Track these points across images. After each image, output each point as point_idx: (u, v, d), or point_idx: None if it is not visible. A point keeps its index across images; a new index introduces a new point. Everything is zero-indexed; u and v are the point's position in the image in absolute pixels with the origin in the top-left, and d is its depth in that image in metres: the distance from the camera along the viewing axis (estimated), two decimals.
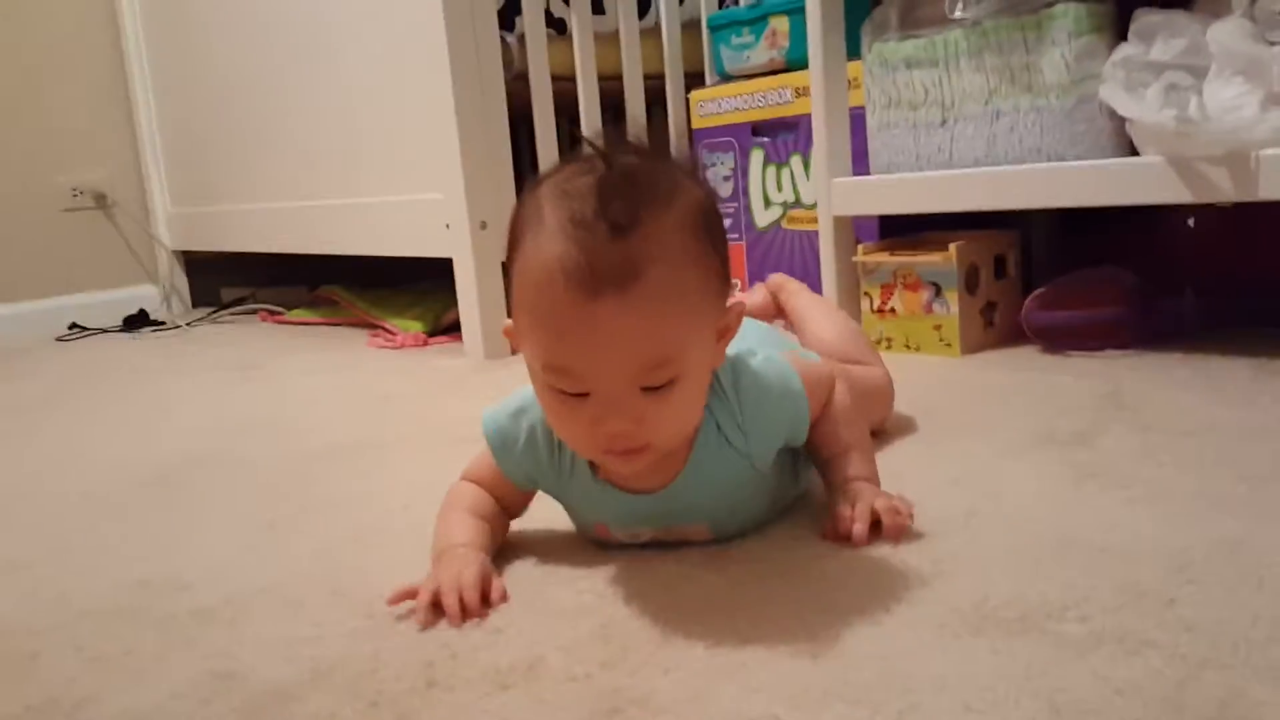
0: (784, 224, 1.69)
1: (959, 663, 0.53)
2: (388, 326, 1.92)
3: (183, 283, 2.63)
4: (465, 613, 0.63)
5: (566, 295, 0.57)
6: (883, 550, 0.68)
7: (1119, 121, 1.20)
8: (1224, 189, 1.07)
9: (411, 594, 0.65)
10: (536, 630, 0.62)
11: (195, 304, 2.62)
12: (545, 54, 1.64)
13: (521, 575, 0.70)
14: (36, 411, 1.49)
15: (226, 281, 2.61)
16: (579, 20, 1.68)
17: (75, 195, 2.47)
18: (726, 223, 1.76)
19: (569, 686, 0.55)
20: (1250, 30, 1.08)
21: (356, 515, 0.88)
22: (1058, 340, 1.28)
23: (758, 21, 1.68)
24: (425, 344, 1.80)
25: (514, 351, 0.72)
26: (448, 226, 1.59)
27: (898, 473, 0.77)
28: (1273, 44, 1.06)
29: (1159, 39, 1.15)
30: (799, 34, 1.62)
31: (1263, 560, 0.62)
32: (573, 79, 1.70)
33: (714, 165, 1.77)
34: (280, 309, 2.31)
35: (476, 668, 0.58)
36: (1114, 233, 1.40)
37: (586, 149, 0.61)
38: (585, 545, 0.74)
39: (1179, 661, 0.51)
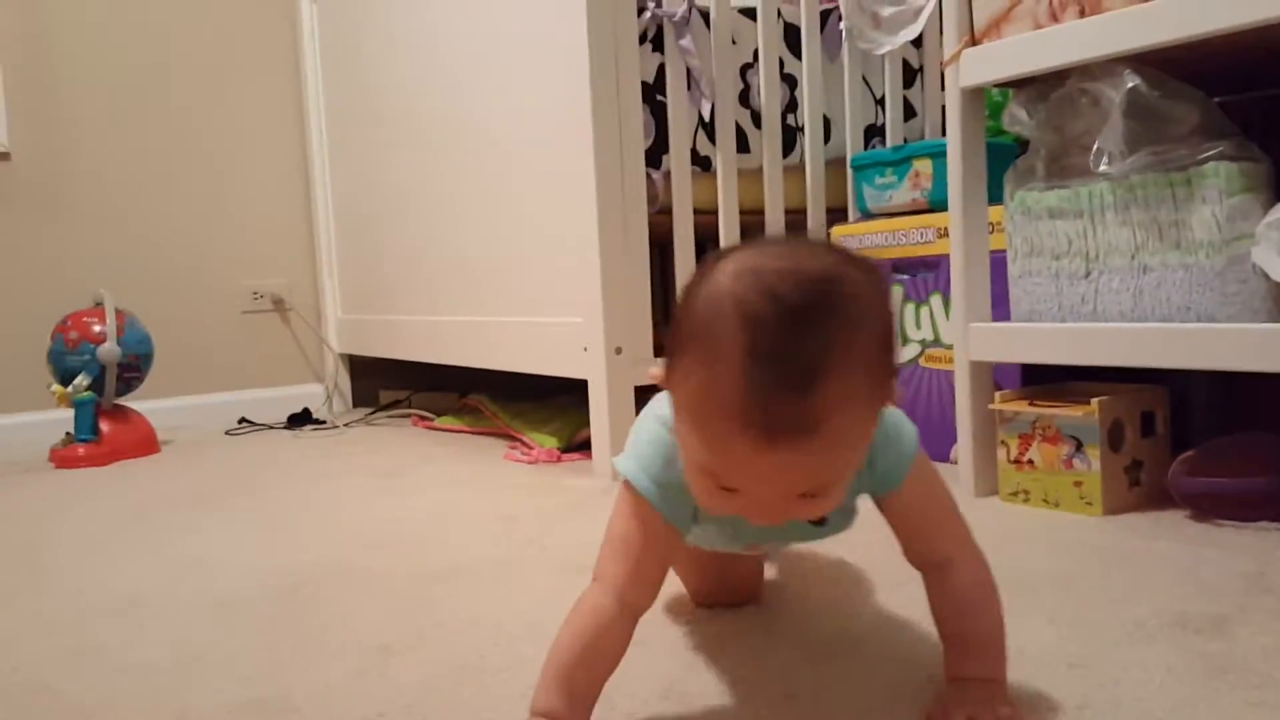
0: (922, 362, 1.67)
1: None
2: (525, 440, 1.98)
3: (346, 383, 2.78)
4: None
5: (742, 438, 0.57)
6: None
7: (1272, 284, 1.15)
8: None
9: None
10: None
11: (356, 404, 2.77)
12: (690, 190, 1.69)
13: None
14: (192, 508, 1.59)
15: (386, 384, 2.75)
16: (724, 158, 1.73)
17: (256, 298, 2.67)
18: None
19: None
20: None
21: (469, 645, 0.90)
22: (1206, 508, 1.21)
23: (901, 163, 1.70)
24: (559, 460, 1.84)
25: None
26: (585, 349, 1.65)
27: (1019, 646, 0.74)
28: None
29: None
30: (942, 176, 1.62)
31: None
32: (713, 212, 1.75)
33: None
34: (431, 415, 2.41)
35: None
36: (1274, 397, 1.32)
37: (774, 248, 0.61)
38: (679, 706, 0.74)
39: None
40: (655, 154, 1.70)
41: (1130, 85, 1.20)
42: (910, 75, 1.97)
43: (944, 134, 1.92)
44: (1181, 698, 0.72)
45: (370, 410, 2.63)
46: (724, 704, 0.74)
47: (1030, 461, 1.34)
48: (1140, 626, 0.86)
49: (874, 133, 1.93)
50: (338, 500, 1.61)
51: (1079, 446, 1.29)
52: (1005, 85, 1.39)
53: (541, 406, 2.17)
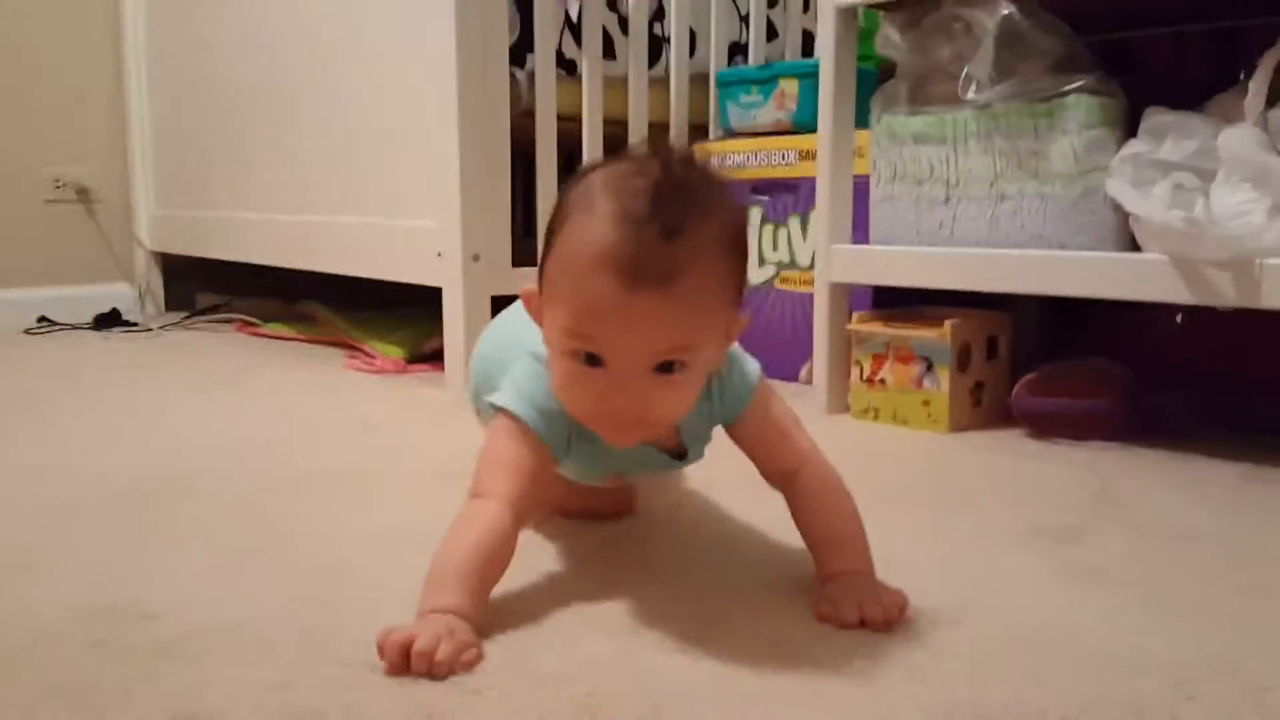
0: (777, 283, 1.69)
1: None
2: (367, 349, 1.89)
3: (158, 285, 2.58)
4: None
5: (608, 281, 0.62)
6: (878, 638, 0.67)
7: (1122, 216, 1.21)
8: (1226, 294, 1.08)
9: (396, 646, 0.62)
10: (518, 695, 0.59)
11: (170, 307, 2.58)
12: (554, 93, 1.63)
13: (508, 637, 0.67)
14: (9, 411, 1.44)
15: (202, 287, 2.57)
16: (590, 63, 1.68)
17: (58, 187, 2.43)
18: None
19: None
20: (1261, 139, 1.09)
21: (331, 550, 0.85)
22: (1045, 427, 1.28)
23: (767, 82, 1.69)
24: (405, 370, 1.77)
25: (534, 314, 0.72)
26: (439, 255, 1.58)
27: (887, 556, 0.75)
28: None
29: (1169, 139, 1.16)
30: (807, 98, 1.63)
31: (1262, 681, 0.61)
32: (577, 119, 1.70)
33: None
34: (257, 321, 2.27)
35: None
36: (1104, 324, 1.41)
37: (642, 149, 0.68)
38: (573, 609, 0.72)
39: None
40: (519, 52, 1.63)
41: (1004, 13, 1.23)
42: None
43: (804, 56, 1.93)
44: (1056, 599, 0.75)
45: (186, 314, 2.45)
46: (613, 600, 0.73)
47: (882, 380, 1.38)
48: (1002, 535, 0.90)
49: (737, 50, 1.91)
50: (170, 405, 1.49)
51: (929, 367, 1.33)
52: (877, 7, 1.39)
53: (383, 315, 2.08)
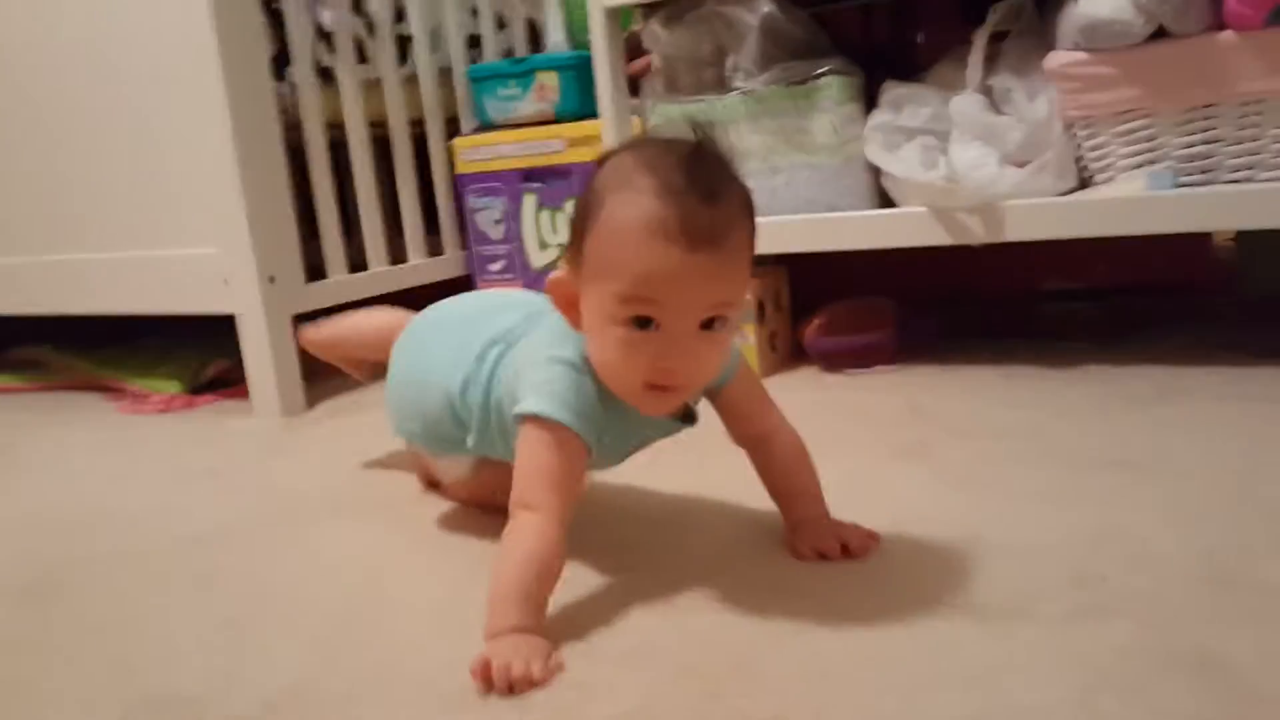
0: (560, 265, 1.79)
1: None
2: (132, 390, 1.77)
3: None
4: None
5: (665, 245, 0.69)
6: (852, 564, 0.82)
7: (875, 176, 1.43)
8: (975, 233, 1.33)
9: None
10: (627, 686, 0.67)
11: None
12: (318, 101, 1.62)
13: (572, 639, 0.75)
14: None
15: None
16: (346, 69, 1.67)
17: None
18: (501, 265, 1.84)
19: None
20: (983, 103, 1.35)
21: (315, 603, 0.87)
22: (836, 362, 1.50)
23: (524, 75, 1.77)
24: (191, 404, 1.69)
25: (561, 303, 0.78)
26: (226, 282, 1.52)
27: None
28: (1002, 114, 1.33)
29: (907, 107, 1.40)
30: (569, 88, 1.73)
31: (1137, 536, 0.83)
32: (339, 125, 1.69)
33: (484, 209, 1.83)
34: None
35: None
36: (867, 268, 1.65)
37: (661, 134, 0.76)
38: (607, 598, 0.81)
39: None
40: (278, 66, 1.59)
41: (766, 10, 1.40)
42: None
43: (532, 46, 2.02)
44: (951, 506, 0.94)
45: None
46: (632, 581, 0.82)
47: None
48: (876, 459, 1.08)
49: (474, 43, 1.96)
50: None
51: None
52: (642, 7, 1.52)
53: (133, 350, 1.94)
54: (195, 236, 1.54)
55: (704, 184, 0.70)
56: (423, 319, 1.03)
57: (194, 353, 1.81)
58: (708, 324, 0.72)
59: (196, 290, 1.56)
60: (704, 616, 0.75)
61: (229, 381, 1.71)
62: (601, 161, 0.76)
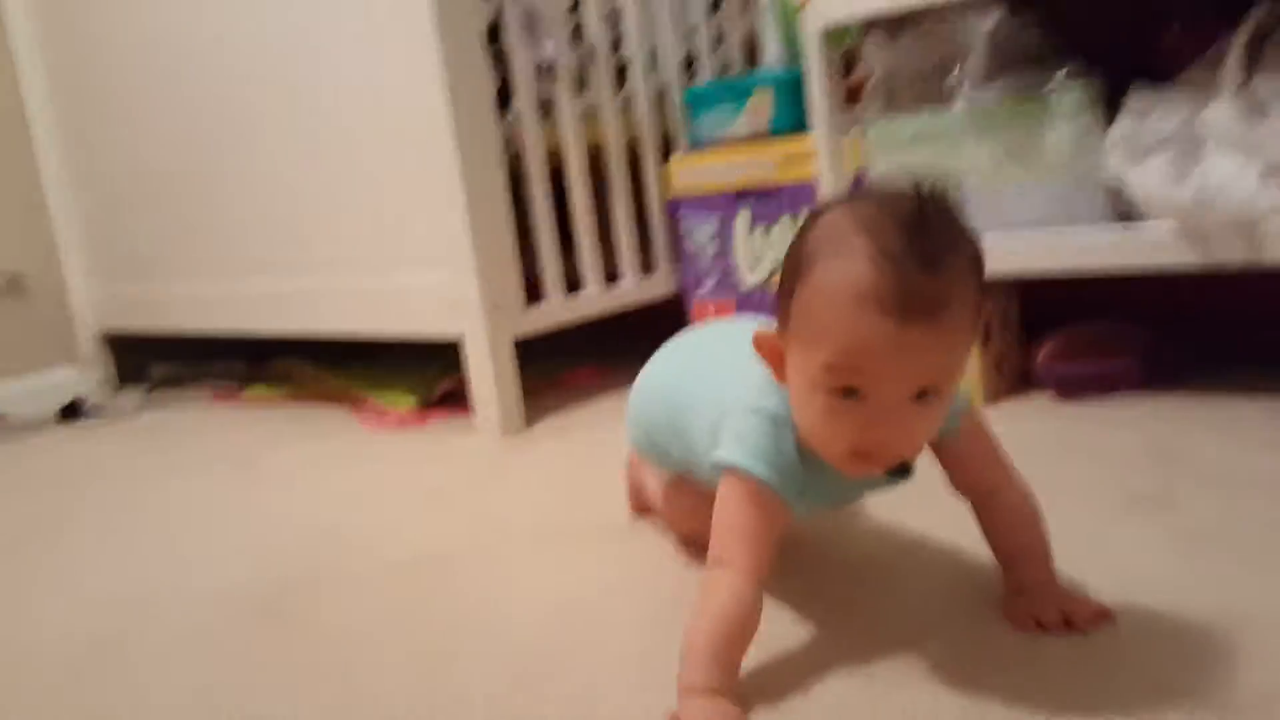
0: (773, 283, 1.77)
1: None
2: (373, 404, 1.89)
3: (109, 363, 2.50)
4: None
5: (877, 318, 0.64)
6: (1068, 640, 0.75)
7: (1114, 191, 1.32)
8: (1232, 255, 1.20)
9: None
10: None
11: (122, 381, 2.50)
12: (540, 133, 1.67)
13: (765, 701, 0.73)
14: (55, 534, 1.40)
15: (153, 357, 2.50)
16: (567, 101, 1.72)
17: None
18: (712, 284, 1.84)
19: None
20: (1242, 109, 1.21)
21: (524, 636, 0.89)
22: (1072, 390, 1.39)
23: (741, 95, 1.75)
24: (424, 420, 1.78)
25: (768, 358, 0.75)
26: (455, 306, 1.60)
27: None
28: (1265, 118, 1.19)
29: (1154, 115, 1.28)
30: (783, 106, 1.70)
31: None
32: (556, 152, 1.74)
33: (697, 229, 1.83)
34: (229, 384, 2.24)
35: None
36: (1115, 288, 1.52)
37: (876, 188, 0.71)
38: (803, 658, 0.78)
39: None
40: (501, 100, 1.66)
41: (996, 17, 1.32)
42: (715, 2, 2.02)
43: (750, 61, 2.00)
44: (1185, 570, 0.85)
45: (147, 387, 2.39)
46: (830, 640, 0.79)
47: None
48: (1107, 505, 1.00)
49: (689, 63, 1.97)
50: (213, 501, 1.47)
51: None
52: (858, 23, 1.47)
53: (371, 366, 2.08)
54: (426, 264, 1.63)
55: (924, 249, 0.65)
56: (694, 334, 1.02)
57: (430, 370, 1.91)
58: (920, 394, 0.68)
59: (426, 314, 1.65)
60: (905, 691, 0.72)
61: (456, 394, 1.80)
62: (816, 216, 0.72)
